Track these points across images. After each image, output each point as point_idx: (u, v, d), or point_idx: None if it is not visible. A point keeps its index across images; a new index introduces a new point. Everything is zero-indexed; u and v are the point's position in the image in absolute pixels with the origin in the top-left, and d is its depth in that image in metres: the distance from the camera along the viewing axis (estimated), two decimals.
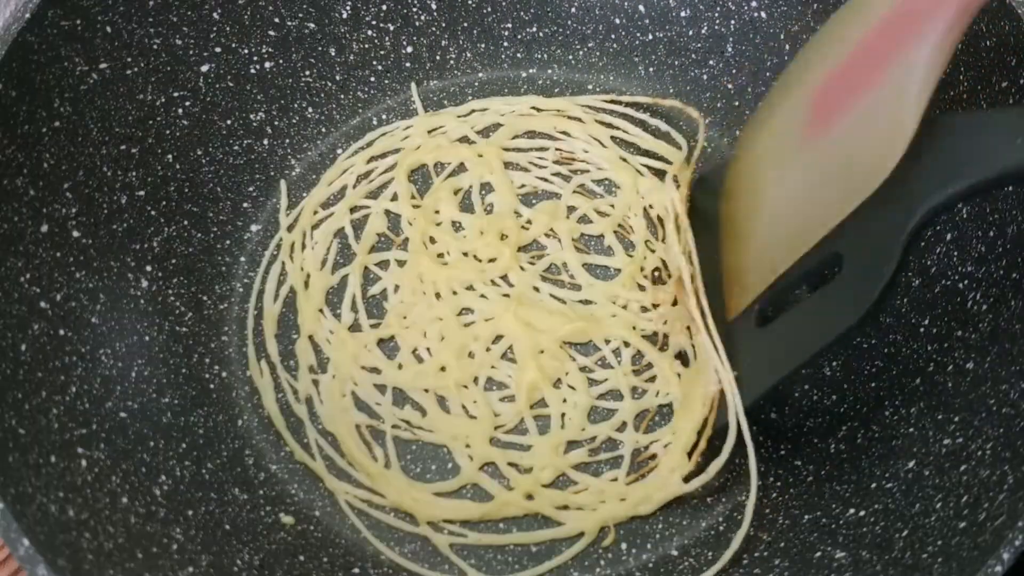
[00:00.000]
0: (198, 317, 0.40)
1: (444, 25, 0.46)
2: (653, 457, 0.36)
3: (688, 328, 0.38)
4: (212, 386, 0.39)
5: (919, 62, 0.28)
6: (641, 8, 0.45)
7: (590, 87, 0.46)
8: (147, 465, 0.34)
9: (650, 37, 0.45)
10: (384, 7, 0.45)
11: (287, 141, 0.44)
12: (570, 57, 0.46)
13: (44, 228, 0.35)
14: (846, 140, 0.30)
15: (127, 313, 0.37)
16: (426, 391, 0.38)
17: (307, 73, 0.44)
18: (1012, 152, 0.27)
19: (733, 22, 0.43)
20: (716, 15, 0.43)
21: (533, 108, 0.45)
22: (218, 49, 0.42)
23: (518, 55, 0.46)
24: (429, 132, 0.44)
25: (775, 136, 0.33)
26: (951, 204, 0.29)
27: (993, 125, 0.29)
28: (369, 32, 0.45)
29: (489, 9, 0.46)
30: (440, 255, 0.41)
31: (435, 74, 0.46)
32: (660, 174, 0.42)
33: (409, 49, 0.46)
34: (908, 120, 0.28)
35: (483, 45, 0.46)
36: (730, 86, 0.44)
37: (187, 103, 0.41)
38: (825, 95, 0.31)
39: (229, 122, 0.42)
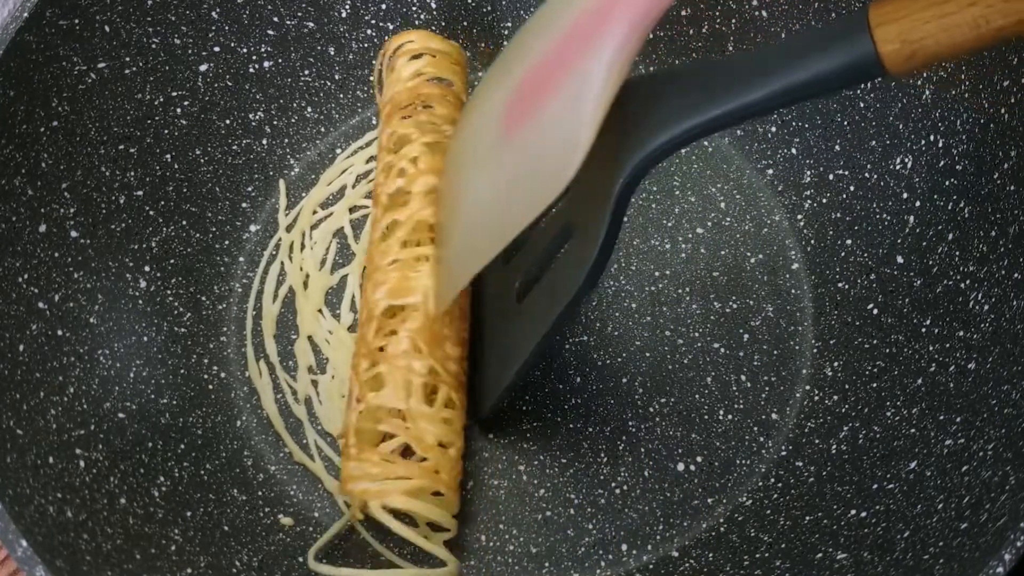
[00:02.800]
0: (197, 317, 0.40)
1: (444, 25, 0.46)
2: None
3: None
4: (211, 387, 0.39)
5: (594, 76, 0.28)
6: None
7: None
8: (145, 466, 0.34)
9: (650, 36, 0.45)
10: (384, 7, 0.45)
11: (286, 141, 0.44)
12: None
13: (42, 228, 0.35)
14: (533, 143, 0.31)
15: (125, 313, 0.37)
16: None
17: (306, 72, 0.44)
18: (705, 102, 0.28)
19: (734, 21, 0.43)
20: (716, 14, 0.43)
21: None
22: (217, 48, 0.42)
23: None
24: None
25: (475, 132, 0.34)
26: (655, 160, 0.29)
27: (685, 78, 0.29)
28: (369, 32, 0.45)
29: (489, 9, 0.46)
30: None
31: None
32: None
33: None
34: (583, 131, 0.29)
35: (483, 45, 0.46)
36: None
37: (186, 103, 0.41)
38: (519, 96, 0.32)
39: (228, 122, 0.42)
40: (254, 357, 0.39)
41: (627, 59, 0.28)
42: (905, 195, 0.39)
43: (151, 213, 0.40)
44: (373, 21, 0.45)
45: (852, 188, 0.40)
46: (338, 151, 0.44)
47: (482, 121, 0.33)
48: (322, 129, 0.45)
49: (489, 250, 0.32)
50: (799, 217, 0.42)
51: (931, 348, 0.36)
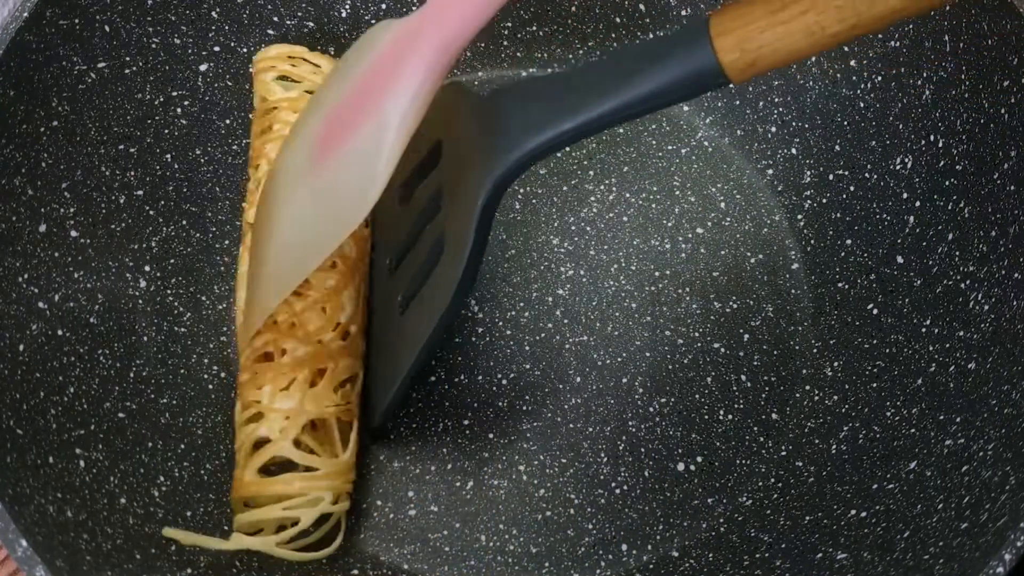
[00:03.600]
0: (197, 317, 0.40)
1: None
2: None
3: None
4: (211, 387, 0.39)
5: (392, 112, 0.29)
6: (641, 7, 0.45)
7: None
8: (145, 466, 0.34)
9: (650, 36, 0.45)
10: (384, 6, 0.45)
11: None
12: (570, 56, 0.46)
13: (42, 228, 0.35)
14: (333, 180, 0.31)
15: (125, 313, 0.37)
16: None
17: None
18: (569, 112, 0.29)
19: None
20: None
21: None
22: (217, 48, 0.42)
23: (518, 54, 0.46)
24: None
25: (283, 169, 0.34)
26: (519, 170, 0.30)
27: (556, 86, 0.30)
28: None
29: None
30: None
31: None
32: None
33: None
34: (380, 167, 0.30)
35: (483, 44, 0.46)
36: (730, 84, 0.44)
37: (186, 102, 0.41)
38: (329, 129, 0.32)
39: (228, 121, 0.42)
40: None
41: (425, 95, 0.29)
42: (905, 195, 0.39)
43: (151, 213, 0.40)
44: (373, 21, 0.45)
45: (852, 188, 0.40)
46: None
47: (297, 146, 0.34)
48: None
49: (297, 274, 0.33)
50: (799, 217, 0.42)
51: (931, 348, 0.36)
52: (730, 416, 0.38)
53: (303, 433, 0.34)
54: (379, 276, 0.38)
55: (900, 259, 0.38)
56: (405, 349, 0.34)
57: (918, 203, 0.38)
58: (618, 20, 0.45)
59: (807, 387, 0.38)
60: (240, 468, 0.34)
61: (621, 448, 0.38)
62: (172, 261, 0.40)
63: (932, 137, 0.38)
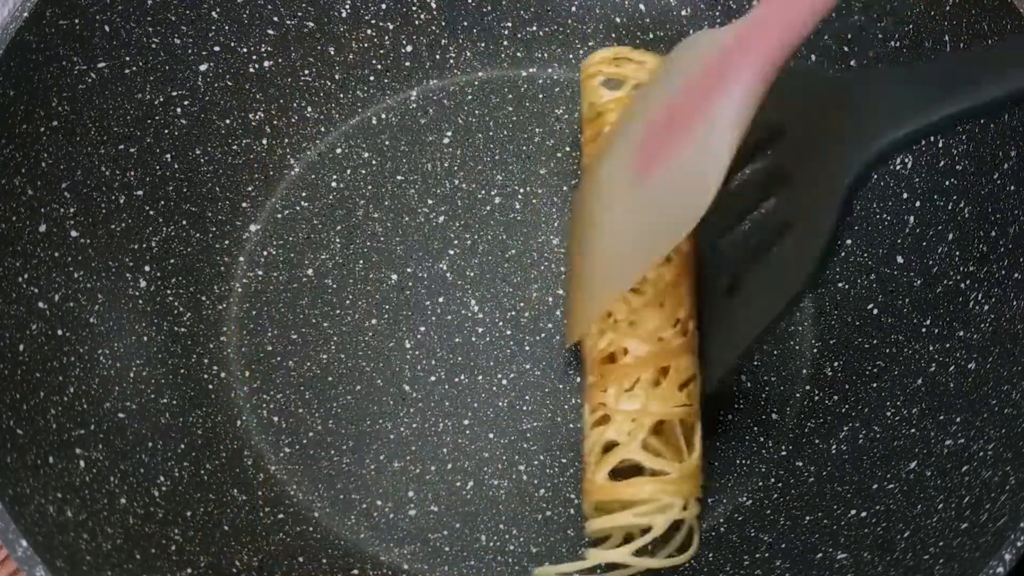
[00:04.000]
0: (197, 317, 0.40)
1: (444, 24, 0.46)
2: None
3: None
4: (211, 386, 0.39)
5: (722, 120, 0.30)
6: (642, 7, 0.45)
7: None
8: (145, 466, 0.34)
9: (651, 36, 0.45)
10: (384, 6, 0.45)
11: (286, 141, 0.44)
12: (570, 56, 0.46)
13: (42, 228, 0.35)
14: (662, 187, 0.32)
15: (125, 313, 0.37)
16: None
17: (306, 72, 0.44)
18: (939, 101, 0.28)
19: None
20: (717, 14, 0.43)
21: None
22: (217, 48, 0.42)
23: (518, 54, 0.46)
24: None
25: (610, 174, 0.35)
26: (885, 157, 0.29)
27: (920, 75, 0.29)
28: (369, 31, 0.45)
29: (489, 8, 0.46)
30: None
31: (435, 74, 0.46)
32: None
33: (409, 48, 0.46)
34: (712, 175, 0.30)
35: (483, 44, 0.46)
36: None
37: (186, 102, 0.41)
38: (647, 143, 0.33)
39: (228, 121, 0.42)
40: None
41: (753, 104, 0.30)
42: (905, 195, 0.39)
43: (151, 213, 0.40)
44: (373, 21, 0.45)
45: None
46: (338, 151, 0.44)
47: (613, 167, 0.35)
48: (322, 129, 0.45)
49: (621, 285, 0.33)
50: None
51: (931, 348, 0.36)
52: (730, 416, 0.38)
53: (650, 435, 0.33)
54: (700, 259, 0.37)
55: (900, 259, 0.38)
56: (739, 329, 0.34)
57: (918, 203, 0.38)
58: (618, 20, 0.45)
59: (807, 387, 0.38)
60: (591, 471, 0.34)
61: None
62: (172, 261, 0.40)
63: (932, 137, 0.38)
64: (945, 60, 0.30)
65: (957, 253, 0.36)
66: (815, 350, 0.39)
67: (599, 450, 0.34)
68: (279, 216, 0.43)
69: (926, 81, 0.29)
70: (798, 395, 0.38)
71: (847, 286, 0.39)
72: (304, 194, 0.43)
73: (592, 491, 0.33)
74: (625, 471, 0.33)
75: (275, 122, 0.44)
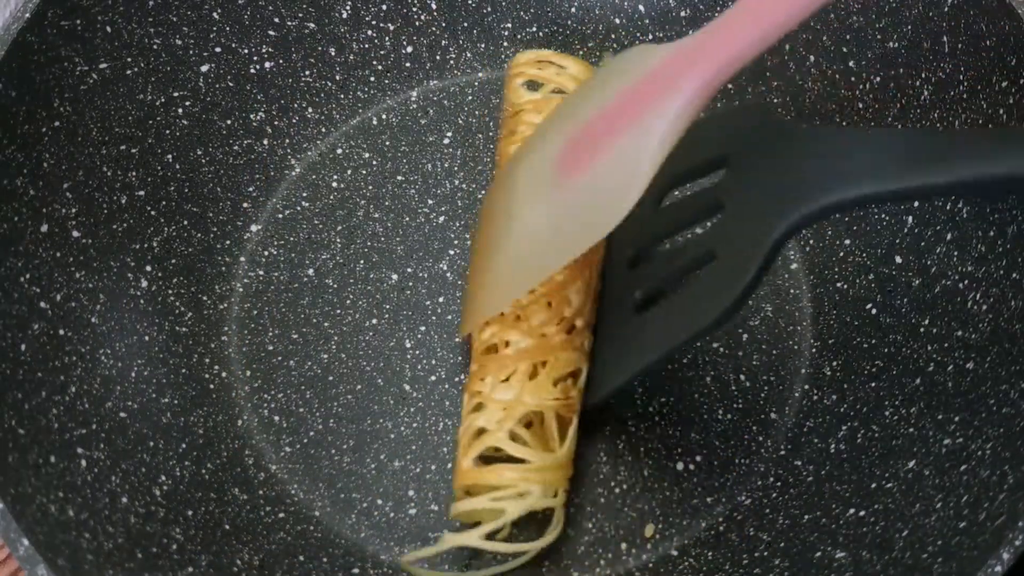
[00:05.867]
0: (198, 317, 0.40)
1: (444, 25, 0.46)
2: None
3: None
4: (212, 386, 0.39)
5: (653, 133, 0.30)
6: (641, 8, 0.45)
7: None
8: (147, 465, 0.34)
9: (650, 37, 0.45)
10: (384, 7, 0.45)
11: (287, 141, 0.44)
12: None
13: (44, 228, 0.35)
14: (583, 191, 0.32)
15: (127, 313, 0.38)
16: None
17: (307, 73, 0.44)
18: (891, 172, 0.28)
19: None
20: (716, 15, 0.43)
21: None
22: (218, 49, 0.42)
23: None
24: None
25: (530, 173, 0.35)
26: (824, 214, 0.29)
27: (871, 141, 0.29)
28: (369, 32, 0.45)
29: (489, 9, 0.46)
30: None
31: (435, 74, 0.46)
32: None
33: (409, 49, 0.46)
34: (634, 186, 0.30)
35: (483, 45, 0.46)
36: (730, 86, 0.44)
37: (187, 103, 0.41)
38: (575, 146, 0.33)
39: (229, 122, 0.42)
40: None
41: (686, 120, 0.29)
42: None
43: (152, 213, 0.40)
44: (373, 22, 0.45)
45: None
46: (339, 151, 0.44)
47: (534, 166, 0.35)
48: (323, 129, 0.45)
49: (527, 282, 0.33)
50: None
51: (929, 348, 0.36)
52: (729, 415, 0.38)
53: (518, 426, 0.34)
54: (615, 268, 0.38)
55: (899, 259, 0.38)
56: (641, 348, 0.34)
57: (916, 203, 0.38)
58: (618, 21, 0.46)
59: (806, 386, 0.38)
60: (460, 455, 0.34)
61: (620, 447, 0.38)
62: (173, 261, 0.40)
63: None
64: (910, 132, 0.29)
65: (955, 253, 0.36)
66: (814, 350, 0.39)
67: (470, 436, 0.34)
68: (280, 216, 0.43)
69: (878, 151, 0.28)
70: (797, 394, 0.38)
71: (846, 286, 0.40)
72: (305, 194, 0.43)
73: (458, 475, 0.34)
74: (503, 459, 0.34)
75: (276, 122, 0.44)
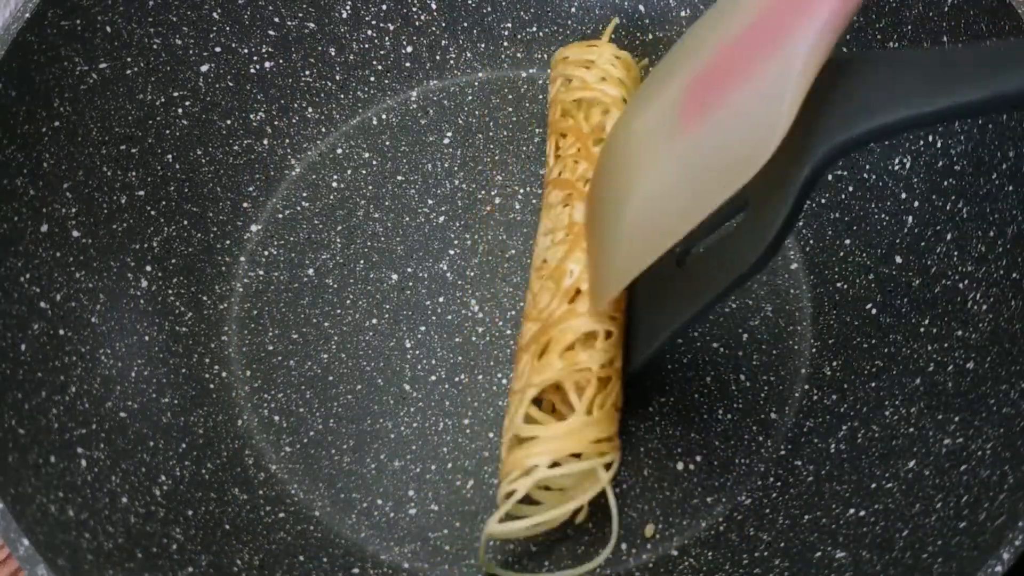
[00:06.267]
0: (198, 317, 0.40)
1: (444, 25, 0.46)
2: None
3: None
4: (212, 386, 0.39)
5: (795, 59, 0.27)
6: (641, 8, 0.45)
7: None
8: (147, 465, 0.34)
9: (650, 37, 0.45)
10: (384, 7, 0.45)
11: (287, 141, 0.44)
12: None
13: (44, 228, 0.35)
14: (720, 132, 0.30)
15: (127, 313, 0.38)
16: None
17: (307, 73, 0.44)
18: (919, 95, 0.26)
19: None
20: None
21: None
22: (218, 49, 0.42)
23: (518, 55, 0.46)
24: None
25: (650, 126, 0.33)
26: (851, 147, 0.27)
27: (899, 65, 0.27)
28: (369, 32, 0.45)
29: (489, 9, 0.46)
30: None
31: (435, 74, 0.46)
32: None
33: (409, 49, 0.46)
34: (782, 116, 0.27)
35: (483, 45, 0.46)
36: None
37: (187, 103, 0.41)
38: (700, 87, 0.31)
39: (229, 122, 0.43)
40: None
41: (828, 44, 0.27)
42: (904, 195, 0.39)
43: (152, 213, 0.40)
44: (373, 22, 0.45)
45: (851, 188, 0.41)
46: (339, 151, 0.44)
47: (653, 115, 0.32)
48: (323, 129, 0.45)
49: (662, 244, 0.31)
50: (798, 217, 0.42)
51: (929, 348, 0.36)
52: (729, 415, 0.38)
53: (531, 407, 0.34)
54: None
55: (899, 259, 0.38)
56: (682, 301, 0.33)
57: (916, 203, 0.38)
58: (618, 21, 0.46)
59: (806, 386, 0.38)
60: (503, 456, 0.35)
61: (621, 447, 0.38)
62: (173, 261, 0.40)
63: (930, 137, 0.38)
64: (935, 53, 0.27)
65: (955, 253, 0.36)
66: (814, 349, 0.39)
67: (508, 436, 0.35)
68: (280, 216, 0.43)
69: (911, 73, 0.27)
70: (797, 394, 0.38)
71: (846, 286, 0.40)
72: (305, 194, 0.43)
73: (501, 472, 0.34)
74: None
75: (276, 122, 0.44)
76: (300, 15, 0.44)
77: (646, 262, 0.32)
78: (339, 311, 0.41)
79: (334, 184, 0.44)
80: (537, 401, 0.35)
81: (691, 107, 0.31)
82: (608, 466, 0.34)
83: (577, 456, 0.33)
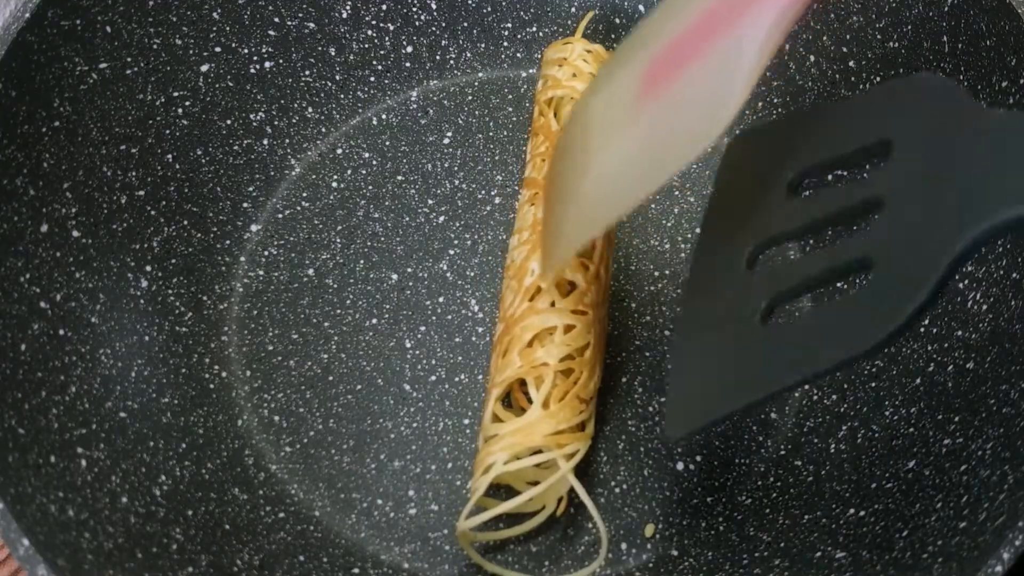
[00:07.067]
0: (198, 317, 0.40)
1: (444, 25, 0.46)
2: None
3: None
4: (212, 386, 0.39)
5: (749, 39, 0.28)
6: (641, 8, 0.45)
7: None
8: (147, 465, 0.34)
9: None
10: (384, 7, 0.45)
11: (287, 141, 0.44)
12: None
13: (44, 228, 0.35)
14: (676, 106, 0.30)
15: (127, 313, 0.38)
16: None
17: (307, 73, 0.44)
18: None
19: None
20: None
21: None
22: (218, 49, 0.42)
23: (518, 55, 0.46)
24: None
25: (608, 102, 0.33)
26: (1017, 224, 0.23)
27: None
28: (369, 32, 0.45)
29: (489, 9, 0.46)
30: None
31: (435, 74, 0.46)
32: None
33: (409, 49, 0.46)
34: (733, 96, 0.28)
35: (483, 45, 0.46)
36: None
37: (187, 103, 0.41)
38: (658, 65, 0.31)
39: (229, 122, 0.43)
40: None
41: (785, 26, 0.27)
42: None
43: (152, 213, 0.40)
44: (373, 22, 0.45)
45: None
46: (339, 151, 0.44)
47: (612, 92, 0.32)
48: (323, 129, 0.45)
49: (615, 212, 0.31)
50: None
51: (929, 348, 0.36)
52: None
53: (497, 406, 0.35)
54: (726, 265, 0.30)
55: None
56: (770, 368, 0.28)
57: None
58: (618, 21, 0.46)
59: (806, 386, 0.38)
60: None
61: (621, 447, 0.38)
62: (173, 261, 0.40)
63: None
64: None
65: None
66: None
67: (481, 437, 0.36)
68: (280, 216, 0.43)
69: None
70: (797, 394, 0.38)
71: (845, 285, 0.40)
72: (305, 194, 0.43)
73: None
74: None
75: (276, 122, 0.44)
76: (300, 15, 0.44)
77: (597, 229, 0.32)
78: (339, 311, 0.41)
79: (334, 184, 0.44)
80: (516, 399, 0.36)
81: (649, 83, 0.31)
82: (571, 456, 0.34)
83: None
